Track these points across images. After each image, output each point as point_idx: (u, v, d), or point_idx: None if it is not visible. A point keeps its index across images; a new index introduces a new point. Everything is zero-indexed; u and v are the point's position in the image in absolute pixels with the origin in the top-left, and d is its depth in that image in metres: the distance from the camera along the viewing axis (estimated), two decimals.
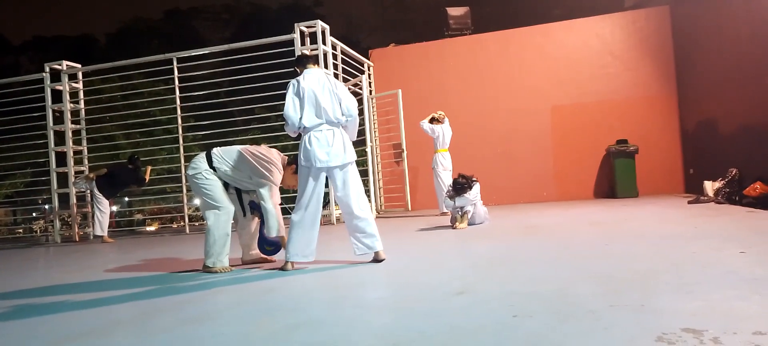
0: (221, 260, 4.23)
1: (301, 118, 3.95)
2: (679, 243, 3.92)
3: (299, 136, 4.12)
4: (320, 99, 3.95)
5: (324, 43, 9.01)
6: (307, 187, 3.98)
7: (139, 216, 15.96)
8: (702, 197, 7.65)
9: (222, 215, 4.23)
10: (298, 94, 3.98)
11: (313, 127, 3.95)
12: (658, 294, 2.42)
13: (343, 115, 4.03)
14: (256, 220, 4.56)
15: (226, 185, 4.34)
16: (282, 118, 4.08)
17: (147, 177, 9.59)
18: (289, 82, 4.09)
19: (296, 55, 4.39)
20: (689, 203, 7.60)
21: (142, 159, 9.92)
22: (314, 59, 4.29)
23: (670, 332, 1.82)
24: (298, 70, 4.22)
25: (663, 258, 3.38)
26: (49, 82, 10.26)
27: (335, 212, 9.02)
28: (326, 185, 4.20)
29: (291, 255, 4.00)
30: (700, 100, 9.43)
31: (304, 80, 4.01)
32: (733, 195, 7.16)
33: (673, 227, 5.01)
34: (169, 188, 15.83)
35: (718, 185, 7.53)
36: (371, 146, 10.10)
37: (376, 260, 4.00)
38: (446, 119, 8.82)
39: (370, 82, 11.48)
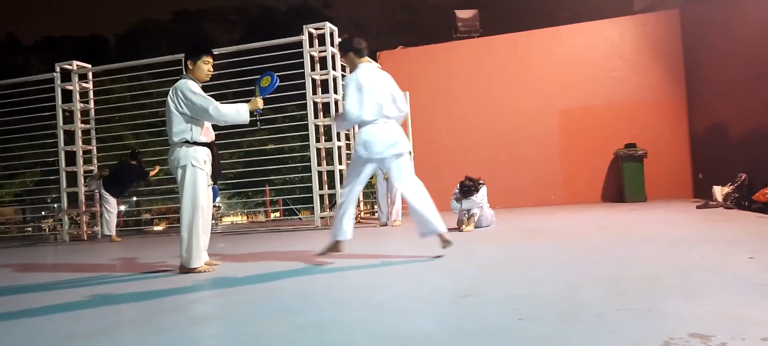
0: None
1: (360, 111, 4.10)
2: (686, 248, 3.89)
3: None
4: (379, 95, 4.13)
5: (332, 45, 9.03)
6: (361, 175, 4.22)
7: (146, 216, 16.03)
8: (711, 202, 7.60)
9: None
10: (358, 89, 4.10)
11: (372, 120, 4.12)
12: (665, 298, 2.40)
13: (398, 110, 4.25)
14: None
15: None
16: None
17: (152, 173, 9.65)
18: (347, 77, 4.20)
19: (342, 43, 4.35)
20: (698, 207, 7.56)
21: (150, 159, 9.97)
22: (367, 52, 4.37)
23: (677, 337, 1.81)
24: (349, 54, 4.26)
25: (670, 262, 3.36)
26: (59, 81, 10.34)
27: None
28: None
29: (343, 234, 4.24)
30: (710, 104, 9.37)
31: (364, 76, 4.14)
32: (742, 200, 7.11)
33: (681, 231, 4.98)
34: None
35: (727, 189, 7.48)
36: None
37: (443, 241, 4.09)
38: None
39: None
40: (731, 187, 7.44)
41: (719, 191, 7.59)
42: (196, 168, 4.22)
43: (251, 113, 4.34)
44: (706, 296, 2.38)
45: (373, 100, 4.11)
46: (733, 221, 5.67)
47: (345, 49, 4.32)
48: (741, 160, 7.83)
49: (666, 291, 2.56)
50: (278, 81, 4.49)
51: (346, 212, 4.24)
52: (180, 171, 4.22)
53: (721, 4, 8.58)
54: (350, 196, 4.24)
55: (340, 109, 4.22)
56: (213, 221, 4.57)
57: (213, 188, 4.62)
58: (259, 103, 4.39)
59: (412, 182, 4.19)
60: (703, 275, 2.90)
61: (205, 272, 4.19)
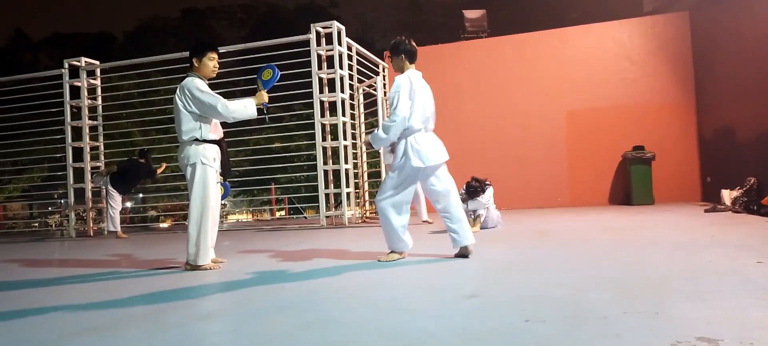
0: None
1: (409, 118, 3.99)
2: (694, 251, 3.87)
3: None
4: (426, 105, 4.07)
5: (339, 43, 9.04)
6: (410, 187, 4.06)
7: (152, 213, 16.10)
8: (719, 206, 7.55)
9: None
10: (411, 95, 4.00)
11: (418, 130, 4.03)
12: (673, 302, 2.39)
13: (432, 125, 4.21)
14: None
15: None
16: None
17: (159, 171, 9.69)
18: (397, 80, 4.04)
19: (396, 45, 4.17)
20: (706, 211, 7.51)
21: (157, 156, 10.01)
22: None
23: (684, 341, 1.79)
24: (401, 56, 4.12)
25: (678, 266, 3.33)
26: (67, 78, 10.39)
27: (347, 213, 9.03)
28: None
29: (405, 247, 4.13)
30: (719, 107, 9.31)
31: (416, 82, 4.05)
32: (750, 204, 7.06)
33: (689, 235, 4.95)
34: (183, 185, 15.97)
35: (735, 193, 7.43)
36: None
37: (463, 255, 4.05)
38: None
39: (384, 84, 11.47)
40: (740, 191, 7.38)
41: (728, 195, 7.54)
42: (206, 166, 4.24)
43: (258, 108, 4.35)
44: (714, 300, 2.37)
45: (421, 109, 4.01)
46: (742, 225, 5.63)
47: (399, 51, 4.13)
48: (750, 163, 7.77)
49: (673, 294, 2.54)
50: (279, 73, 4.48)
51: (401, 226, 4.07)
52: (190, 169, 4.24)
53: (732, 6, 8.52)
54: (401, 212, 4.07)
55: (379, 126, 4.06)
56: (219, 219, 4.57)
57: (225, 185, 4.62)
58: (265, 96, 4.40)
59: (454, 190, 4.13)
60: (711, 278, 2.88)
61: (211, 269, 4.20)
